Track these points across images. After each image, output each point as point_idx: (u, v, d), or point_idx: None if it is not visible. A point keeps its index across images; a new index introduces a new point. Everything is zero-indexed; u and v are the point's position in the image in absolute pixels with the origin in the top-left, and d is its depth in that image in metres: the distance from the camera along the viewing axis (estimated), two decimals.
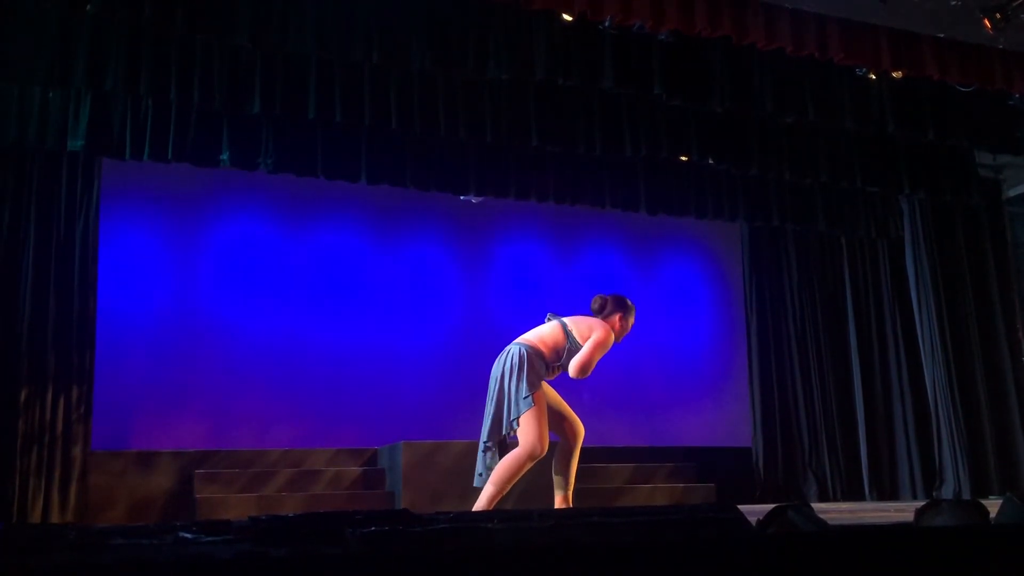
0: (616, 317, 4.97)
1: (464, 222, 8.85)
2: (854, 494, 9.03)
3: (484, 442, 4.89)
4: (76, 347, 6.71)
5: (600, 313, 5.01)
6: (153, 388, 7.44)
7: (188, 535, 1.56)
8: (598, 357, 4.79)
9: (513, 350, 4.94)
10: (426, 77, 6.46)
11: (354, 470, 7.54)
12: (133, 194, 7.69)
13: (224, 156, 6.72)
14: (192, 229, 8.01)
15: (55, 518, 6.37)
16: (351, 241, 8.54)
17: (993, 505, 2.56)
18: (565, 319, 5.01)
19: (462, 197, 8.11)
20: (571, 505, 5.16)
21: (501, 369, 4.93)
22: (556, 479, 5.08)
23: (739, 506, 3.08)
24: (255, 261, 8.14)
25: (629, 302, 5.09)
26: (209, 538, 1.52)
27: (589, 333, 4.83)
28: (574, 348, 4.92)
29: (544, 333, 4.99)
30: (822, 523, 1.90)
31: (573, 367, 4.83)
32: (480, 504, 4.86)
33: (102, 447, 6.93)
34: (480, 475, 4.89)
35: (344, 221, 8.50)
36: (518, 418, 4.82)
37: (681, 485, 8.04)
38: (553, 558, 1.50)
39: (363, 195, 8.00)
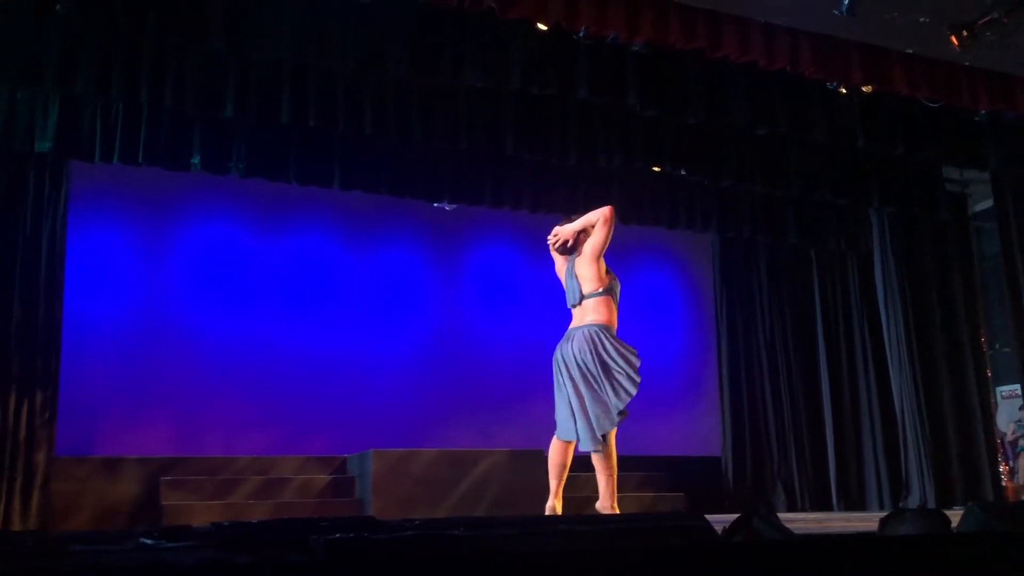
0: (580, 235, 5.13)
1: (438, 228, 8.84)
2: (822, 504, 9.11)
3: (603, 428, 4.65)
4: (41, 351, 6.61)
5: (568, 251, 5.15)
6: (120, 393, 7.35)
7: (149, 542, 1.53)
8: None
9: (589, 331, 4.79)
10: (401, 84, 6.45)
11: (323, 478, 7.49)
12: (103, 197, 7.61)
13: (195, 160, 6.66)
14: (163, 233, 7.94)
15: (16, 525, 6.25)
16: (323, 246, 8.50)
17: (957, 515, 2.59)
18: (584, 290, 4.91)
19: (436, 204, 8.10)
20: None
21: (589, 349, 4.71)
22: (560, 482, 4.94)
23: (709, 515, 3.09)
24: (226, 266, 8.08)
25: (571, 216, 5.27)
26: (170, 545, 1.50)
27: (594, 275, 4.89)
28: (613, 285, 4.97)
29: (598, 306, 4.85)
30: (787, 532, 1.91)
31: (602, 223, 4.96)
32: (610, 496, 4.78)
33: (67, 453, 6.83)
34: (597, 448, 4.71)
35: (316, 226, 8.46)
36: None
37: (651, 494, 8.07)
38: (519, 566, 1.50)
39: (336, 200, 7.97)
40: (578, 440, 4.79)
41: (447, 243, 8.98)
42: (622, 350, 4.76)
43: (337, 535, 1.60)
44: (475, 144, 6.84)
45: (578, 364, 4.77)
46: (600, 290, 4.85)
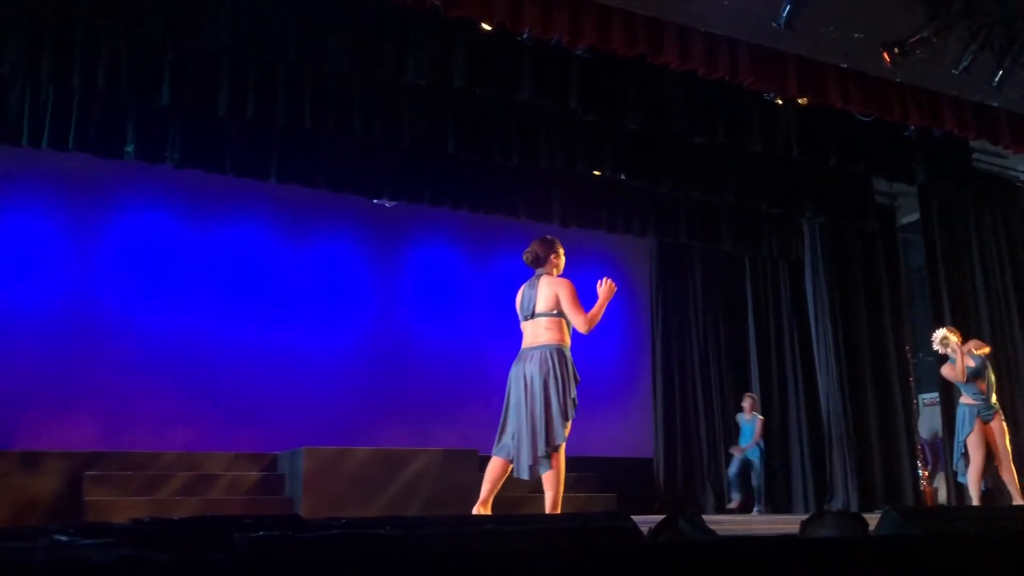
0: (552, 257, 4.94)
1: (377, 225, 8.78)
2: (750, 506, 9.29)
3: (545, 448, 4.58)
4: None
5: (537, 264, 4.93)
6: (41, 385, 7.12)
7: (64, 538, 1.49)
8: (578, 301, 4.73)
9: (544, 352, 4.70)
10: (342, 78, 6.39)
11: (253, 475, 7.38)
12: (29, 182, 7.38)
13: (129, 148, 6.51)
14: (91, 221, 7.72)
15: None
16: (259, 239, 8.36)
17: (876, 519, 2.66)
18: (538, 309, 4.80)
19: (376, 201, 8.04)
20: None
21: (542, 372, 4.61)
22: (494, 487, 4.88)
23: (639, 516, 3.12)
24: (157, 257, 7.90)
25: (549, 237, 5.08)
26: (86, 542, 1.46)
27: (558, 299, 4.72)
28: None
29: (550, 326, 4.75)
30: (711, 533, 1.94)
31: (584, 330, 4.73)
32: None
33: None
34: (530, 467, 4.62)
35: (253, 219, 8.32)
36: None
37: (583, 495, 8.13)
38: (445, 565, 1.50)
39: (273, 193, 7.86)
40: (515, 464, 4.68)
41: (386, 240, 8.92)
42: (571, 385, 4.69)
43: (261, 533, 1.58)
44: (417, 142, 6.81)
45: (533, 385, 4.68)
46: (556, 311, 4.76)
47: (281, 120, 6.37)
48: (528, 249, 4.96)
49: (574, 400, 4.68)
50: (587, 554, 1.54)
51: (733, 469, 9.15)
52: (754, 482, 9.12)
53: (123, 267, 7.76)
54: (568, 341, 4.80)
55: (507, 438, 4.75)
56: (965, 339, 6.93)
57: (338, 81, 6.43)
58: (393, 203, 8.10)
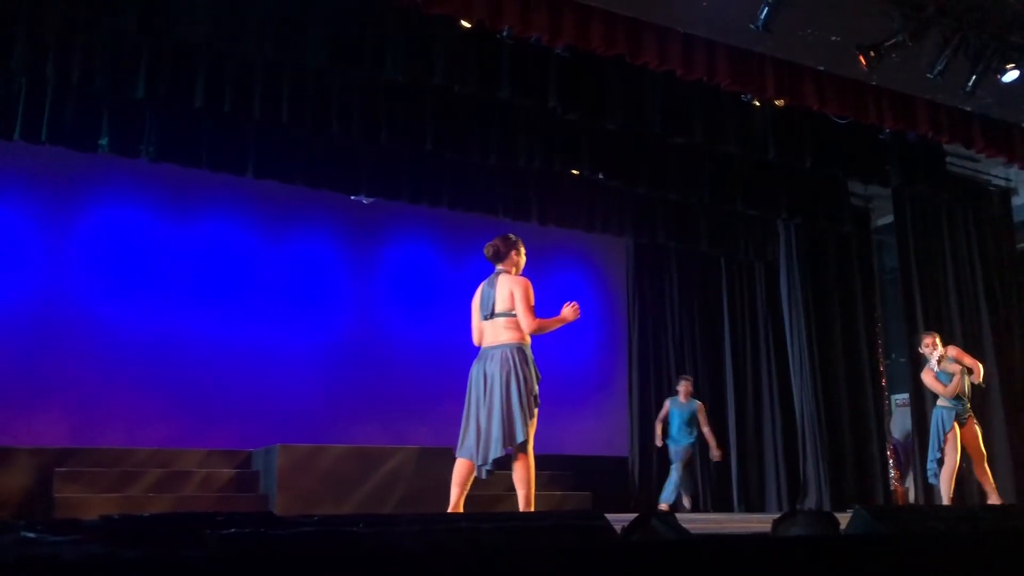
0: (512, 254, 4.90)
1: (355, 222, 8.74)
2: (724, 505, 9.35)
3: (505, 448, 4.53)
4: None
5: (498, 259, 4.89)
6: (13, 380, 7.03)
7: (31, 535, 1.47)
8: (533, 304, 4.68)
9: (505, 351, 4.65)
10: (321, 74, 6.36)
11: (227, 472, 7.33)
12: (1, 175, 7.28)
13: (103, 141, 6.43)
14: (65, 215, 7.63)
15: None
16: (234, 235, 8.30)
17: (848, 518, 2.68)
18: (497, 309, 4.76)
19: (353, 197, 8.01)
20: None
21: (504, 371, 4.56)
22: (462, 490, 4.83)
23: (614, 514, 3.13)
24: (131, 251, 7.82)
25: (513, 236, 5.03)
26: (55, 538, 1.44)
27: (513, 298, 4.65)
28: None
29: (510, 325, 4.70)
30: (684, 532, 1.95)
31: (529, 331, 4.68)
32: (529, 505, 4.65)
33: None
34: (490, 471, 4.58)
35: (228, 214, 8.26)
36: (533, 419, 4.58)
37: (559, 493, 8.15)
38: (418, 563, 1.49)
39: (250, 188, 7.80)
40: (478, 463, 4.63)
41: (363, 237, 8.89)
42: (532, 382, 4.61)
43: (233, 530, 1.57)
44: (395, 139, 6.79)
45: (492, 385, 4.61)
46: (515, 311, 4.72)
47: (258, 115, 6.32)
48: (490, 243, 4.93)
49: (536, 397, 4.62)
50: (560, 552, 1.55)
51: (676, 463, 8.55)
52: (674, 475, 8.51)
53: (96, 262, 7.68)
54: (528, 340, 4.76)
55: (470, 439, 4.69)
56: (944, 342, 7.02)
57: (316, 77, 6.39)
58: (371, 200, 8.07)
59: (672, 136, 7.13)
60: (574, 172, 7.79)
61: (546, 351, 9.41)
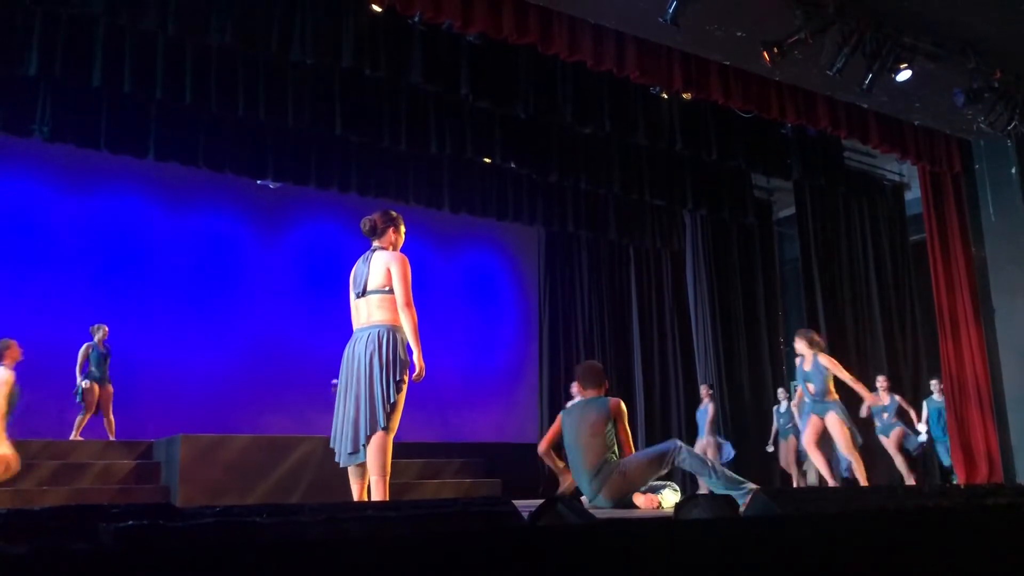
0: (390, 231, 4.72)
1: (261, 206, 8.55)
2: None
3: (366, 435, 4.31)
4: None
5: (374, 234, 4.70)
6: None
7: None
8: (410, 281, 4.49)
9: (374, 332, 4.44)
10: (225, 53, 6.18)
11: (127, 463, 7.10)
12: None
13: None
14: None
15: None
16: (135, 217, 8.03)
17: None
18: (370, 286, 4.59)
19: (260, 181, 7.83)
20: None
21: (368, 352, 4.36)
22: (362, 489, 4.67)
23: (522, 501, 3.15)
24: (23, 231, 7.48)
25: (393, 212, 4.84)
26: None
27: (391, 274, 4.46)
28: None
29: (383, 303, 4.52)
30: (589, 516, 1.98)
31: (403, 309, 4.47)
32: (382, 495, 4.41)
33: None
34: (352, 455, 4.35)
35: (129, 195, 7.99)
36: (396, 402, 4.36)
37: (469, 480, 8.17)
38: (321, 553, 1.47)
39: (153, 169, 7.54)
40: (336, 450, 4.35)
41: (270, 221, 8.71)
42: (397, 368, 4.32)
43: (129, 523, 1.52)
44: (302, 122, 6.66)
45: (359, 367, 4.36)
46: (388, 288, 4.54)
47: (160, 95, 6.11)
48: (367, 218, 4.63)
49: (399, 384, 4.32)
50: (465, 538, 1.55)
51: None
52: None
53: None
54: (403, 323, 4.44)
55: (335, 429, 4.46)
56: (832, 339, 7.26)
57: (220, 57, 6.22)
58: (277, 185, 7.91)
59: (582, 126, 7.20)
60: (486, 160, 7.80)
61: (459, 339, 9.46)
